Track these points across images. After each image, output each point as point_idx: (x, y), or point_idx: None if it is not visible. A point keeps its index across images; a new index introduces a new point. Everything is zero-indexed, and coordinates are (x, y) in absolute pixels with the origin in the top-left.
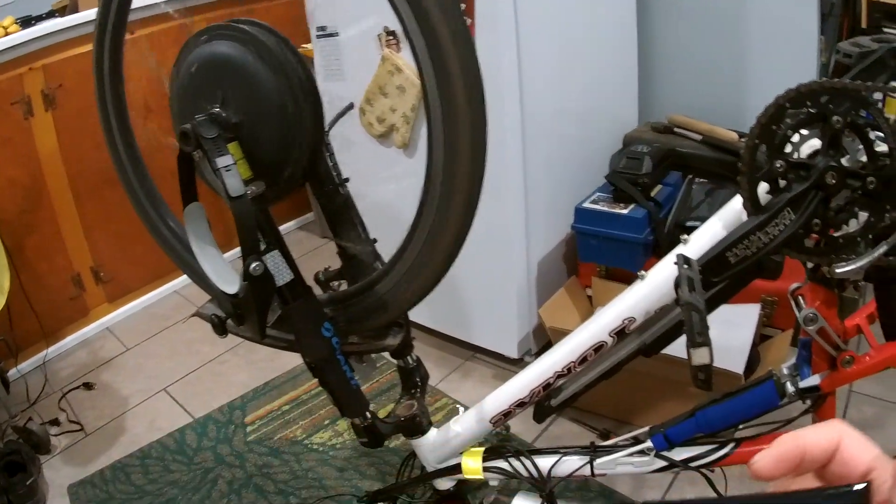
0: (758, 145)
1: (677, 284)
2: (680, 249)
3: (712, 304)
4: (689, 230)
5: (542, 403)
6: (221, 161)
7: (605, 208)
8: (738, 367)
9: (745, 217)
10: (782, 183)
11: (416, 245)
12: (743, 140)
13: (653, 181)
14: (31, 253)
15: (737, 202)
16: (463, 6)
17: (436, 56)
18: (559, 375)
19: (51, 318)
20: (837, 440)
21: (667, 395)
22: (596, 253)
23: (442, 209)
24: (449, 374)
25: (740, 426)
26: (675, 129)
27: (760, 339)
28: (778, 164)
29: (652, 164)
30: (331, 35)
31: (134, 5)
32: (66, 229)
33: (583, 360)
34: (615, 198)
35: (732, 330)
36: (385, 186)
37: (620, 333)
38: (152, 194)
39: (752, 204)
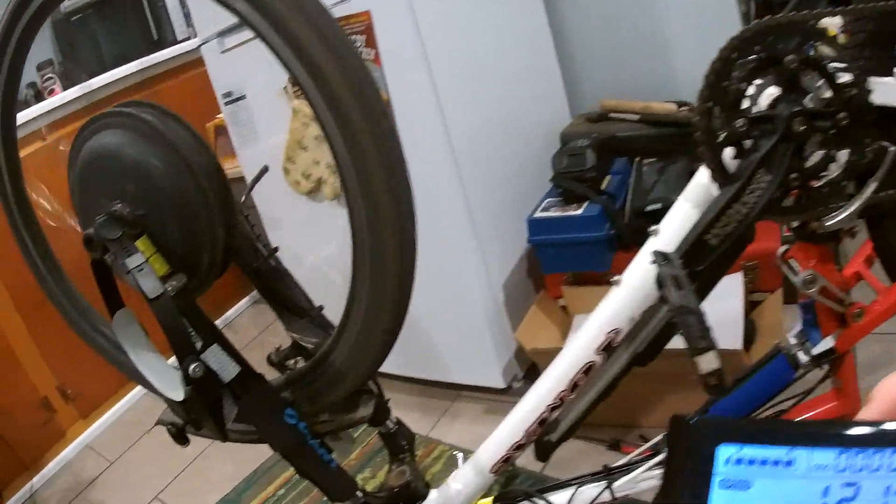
0: (711, 108)
1: (661, 285)
2: (652, 243)
3: (701, 294)
4: (650, 215)
5: (542, 440)
6: (132, 262)
7: (558, 213)
8: (735, 342)
9: (714, 191)
10: (747, 143)
11: (360, 306)
12: (683, 109)
13: (600, 173)
14: None
15: (701, 176)
16: (364, 37)
17: (333, 105)
18: (552, 408)
19: (28, 447)
20: None
21: (668, 389)
22: (559, 262)
23: (376, 265)
24: (438, 419)
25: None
26: (611, 115)
27: (751, 306)
28: (738, 122)
29: (595, 155)
30: (238, 99)
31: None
32: (22, 354)
33: (573, 386)
34: (565, 200)
35: (720, 304)
36: (327, 244)
37: (608, 348)
38: (81, 308)
39: (720, 174)
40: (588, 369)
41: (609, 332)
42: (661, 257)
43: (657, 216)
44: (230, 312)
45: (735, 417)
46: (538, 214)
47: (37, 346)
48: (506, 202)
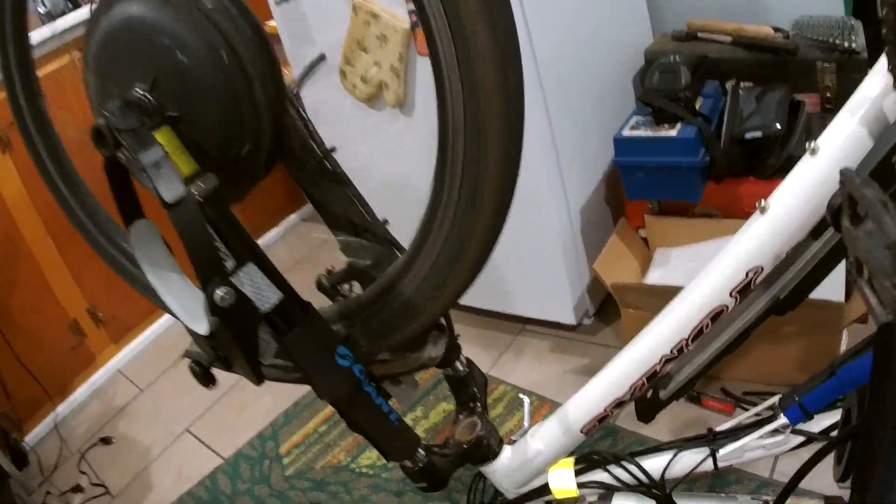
0: None
1: (840, 213)
2: (810, 163)
3: None
4: (749, 143)
5: (647, 398)
6: (147, 158)
7: (650, 133)
8: (838, 294)
9: (889, 106)
10: None
11: (443, 222)
12: (779, 33)
13: (693, 94)
14: (19, 311)
15: (869, 88)
16: None
17: None
18: (667, 360)
19: (56, 374)
20: None
21: (756, 337)
22: (646, 187)
23: (471, 171)
24: (500, 355)
25: None
26: (699, 35)
27: None
28: None
29: (689, 73)
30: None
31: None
32: (53, 276)
33: (697, 333)
34: (657, 120)
35: None
36: (388, 157)
37: (744, 290)
38: (98, 219)
39: None
40: (717, 314)
41: (750, 271)
42: (855, 175)
43: (757, 145)
44: (273, 233)
45: None
46: (626, 133)
47: (68, 266)
48: (587, 119)
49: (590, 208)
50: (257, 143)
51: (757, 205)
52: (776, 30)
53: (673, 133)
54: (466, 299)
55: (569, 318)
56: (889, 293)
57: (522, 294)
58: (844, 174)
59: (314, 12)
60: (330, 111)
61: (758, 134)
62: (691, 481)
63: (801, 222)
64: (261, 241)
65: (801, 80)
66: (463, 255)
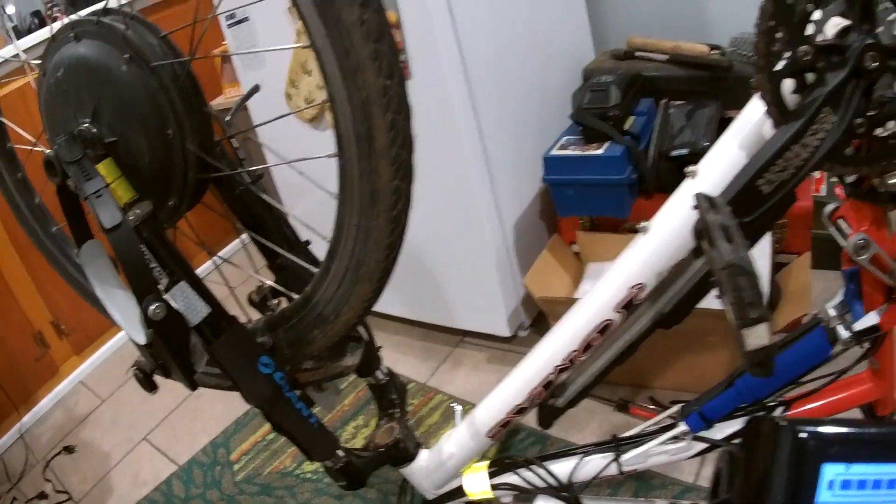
0: (775, 28)
1: (702, 235)
2: (689, 186)
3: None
4: (676, 160)
5: (546, 405)
6: (89, 187)
7: (577, 152)
8: None
9: (768, 130)
10: (810, 77)
11: (348, 239)
12: (714, 53)
13: (624, 112)
14: None
15: (751, 112)
16: None
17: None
18: (561, 369)
19: (20, 383)
20: None
21: (683, 348)
22: (575, 204)
23: (365, 186)
24: (438, 366)
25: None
26: (637, 53)
27: (776, 268)
28: (802, 50)
29: (620, 93)
30: (241, 21)
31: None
32: (17, 288)
33: (587, 346)
34: (586, 139)
35: None
36: (330, 176)
37: (628, 305)
38: (57, 240)
39: (778, 109)
40: (604, 328)
41: (632, 288)
42: (706, 202)
43: (684, 162)
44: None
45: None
46: (555, 152)
47: (32, 279)
48: (522, 137)
49: (523, 224)
50: (185, 168)
51: (638, 227)
52: (714, 47)
53: (599, 152)
54: (407, 312)
55: (504, 331)
56: (729, 313)
57: (460, 307)
58: (697, 199)
59: (263, 34)
60: (277, 133)
61: (684, 151)
62: (617, 484)
63: (679, 243)
64: (222, 252)
65: (736, 97)
66: (363, 277)
